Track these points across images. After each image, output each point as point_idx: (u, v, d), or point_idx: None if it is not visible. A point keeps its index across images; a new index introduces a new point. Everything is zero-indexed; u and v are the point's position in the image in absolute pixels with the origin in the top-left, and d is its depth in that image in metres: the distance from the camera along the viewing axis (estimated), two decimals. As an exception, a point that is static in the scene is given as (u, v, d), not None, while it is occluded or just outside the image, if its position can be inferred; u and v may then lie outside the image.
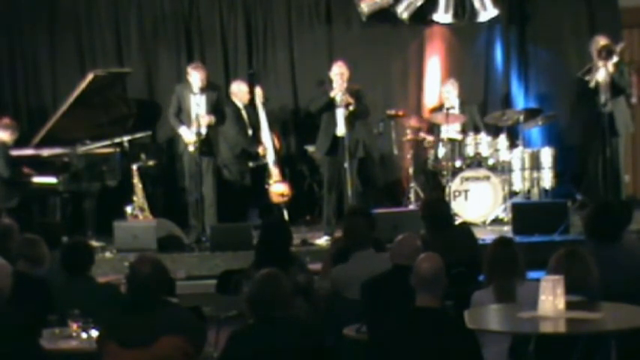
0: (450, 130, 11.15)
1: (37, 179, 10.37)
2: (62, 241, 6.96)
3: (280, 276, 4.91)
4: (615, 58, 10.52)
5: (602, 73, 10.51)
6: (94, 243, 9.50)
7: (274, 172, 11.28)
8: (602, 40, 10.70)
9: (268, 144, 11.31)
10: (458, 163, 11.01)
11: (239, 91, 11.42)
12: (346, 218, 7.27)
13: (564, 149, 11.60)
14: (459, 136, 11.14)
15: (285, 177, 11.40)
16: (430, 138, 11.36)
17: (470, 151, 10.99)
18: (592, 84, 10.59)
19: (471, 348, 4.83)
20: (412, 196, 11.21)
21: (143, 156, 11.04)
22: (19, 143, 10.54)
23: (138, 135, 11.11)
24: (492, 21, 11.95)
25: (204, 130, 10.47)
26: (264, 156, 11.31)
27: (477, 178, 10.87)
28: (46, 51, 12.18)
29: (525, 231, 9.70)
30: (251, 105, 11.48)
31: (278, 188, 11.23)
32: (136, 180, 10.89)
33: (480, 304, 5.32)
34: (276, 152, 11.39)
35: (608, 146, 10.60)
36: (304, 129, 11.97)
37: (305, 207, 11.82)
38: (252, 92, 11.48)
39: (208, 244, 10.12)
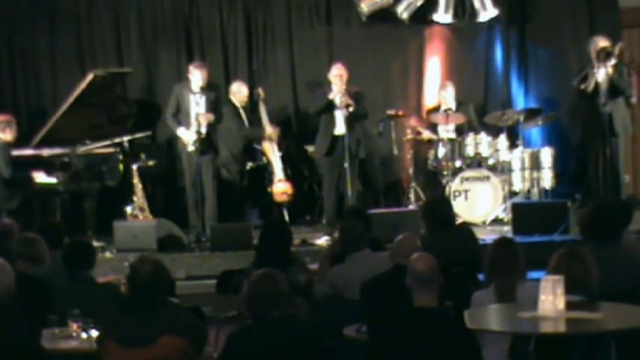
0: (446, 131, 11.17)
1: (37, 179, 10.37)
2: (64, 241, 6.94)
3: (277, 275, 4.91)
4: (613, 60, 10.52)
5: (601, 74, 10.51)
6: (94, 243, 9.49)
7: (278, 170, 11.29)
8: (600, 42, 10.69)
9: (273, 140, 11.35)
10: (458, 163, 11.01)
11: (239, 92, 11.45)
12: (341, 220, 7.28)
13: (564, 149, 11.61)
14: (454, 136, 11.15)
15: (287, 176, 11.41)
16: (428, 133, 11.39)
17: (470, 151, 11.00)
18: (590, 89, 10.59)
19: (471, 348, 4.84)
20: (412, 196, 11.22)
21: (143, 156, 11.04)
22: (19, 143, 10.54)
23: (138, 135, 11.10)
24: (492, 21, 11.96)
25: (204, 129, 10.48)
26: (268, 153, 11.30)
27: (477, 178, 10.88)
28: (46, 51, 12.18)
29: (525, 231, 9.70)
30: (249, 105, 11.50)
31: (281, 187, 11.24)
32: (136, 180, 10.89)
33: (480, 304, 5.32)
34: (279, 151, 11.42)
35: (608, 146, 10.61)
36: (304, 129, 11.98)
37: (305, 207, 11.82)
38: (252, 91, 11.51)
39: (208, 244, 10.12)
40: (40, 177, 10.38)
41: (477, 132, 11.16)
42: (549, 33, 12.18)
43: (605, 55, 10.50)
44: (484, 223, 10.75)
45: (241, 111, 11.43)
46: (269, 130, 11.36)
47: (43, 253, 6.42)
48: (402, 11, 11.84)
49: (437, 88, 11.88)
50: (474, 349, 4.87)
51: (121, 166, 10.82)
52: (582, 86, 10.71)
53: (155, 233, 10.06)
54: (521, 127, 11.21)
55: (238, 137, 11.40)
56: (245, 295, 4.95)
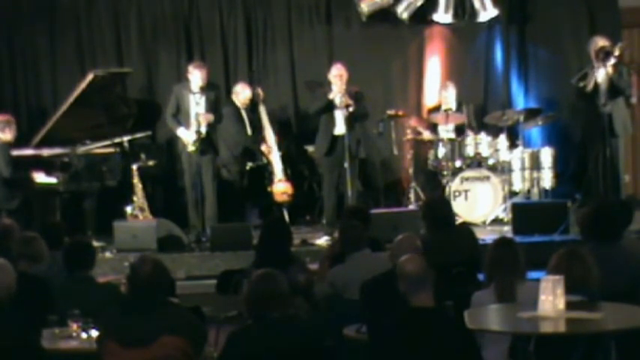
0: (446, 131, 11.18)
1: (37, 179, 10.37)
2: (64, 241, 6.94)
3: (277, 275, 4.91)
4: (613, 60, 10.50)
5: (601, 74, 10.51)
6: (94, 243, 9.49)
7: (278, 171, 11.29)
8: (600, 41, 10.69)
9: (272, 143, 11.33)
10: (458, 163, 11.01)
11: (241, 94, 11.42)
12: (341, 220, 7.27)
13: (564, 149, 11.60)
14: (454, 136, 11.16)
15: (287, 176, 11.41)
16: (428, 133, 11.40)
17: (470, 151, 11.00)
18: (589, 88, 10.59)
19: (470, 348, 4.83)
20: (412, 196, 11.22)
21: (143, 156, 11.03)
22: (19, 143, 10.54)
23: (138, 135, 11.10)
24: (492, 21, 11.96)
25: (204, 129, 10.49)
26: (268, 154, 11.33)
27: (477, 178, 10.88)
28: (46, 51, 12.18)
29: (525, 231, 9.70)
30: (251, 106, 11.51)
31: (281, 187, 11.24)
32: (136, 180, 10.89)
33: (480, 304, 5.32)
34: (279, 151, 11.42)
35: (608, 146, 10.61)
36: (304, 129, 11.98)
37: (305, 207, 11.82)
38: (252, 92, 11.52)
39: (208, 244, 10.12)
40: (40, 177, 10.38)
41: (476, 132, 11.17)
42: (549, 33, 12.18)
43: (604, 54, 10.49)
44: (484, 223, 10.75)
45: (242, 112, 11.45)
46: (268, 133, 11.34)
47: (42, 250, 6.42)
48: (402, 11, 11.84)
49: (437, 88, 11.89)
50: (474, 349, 4.87)
51: (121, 166, 10.82)
52: (581, 84, 10.71)
53: (155, 233, 10.06)
54: (521, 127, 11.21)
55: (238, 138, 11.41)
56: (245, 295, 4.95)
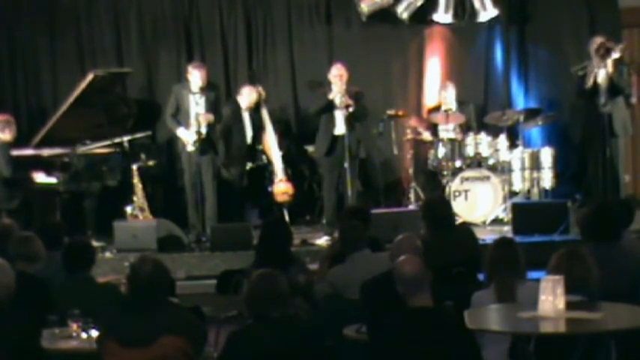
0: (446, 131, 11.18)
1: (37, 179, 10.37)
2: (64, 241, 6.94)
3: (276, 275, 4.91)
4: (614, 55, 10.47)
5: (601, 74, 10.50)
6: (94, 243, 9.49)
7: (279, 171, 11.29)
8: (599, 39, 10.68)
9: (273, 143, 11.33)
10: (458, 163, 11.01)
11: (248, 96, 11.39)
12: (341, 220, 7.26)
13: (564, 149, 11.60)
14: (454, 136, 11.16)
15: (287, 176, 11.41)
16: (428, 133, 11.40)
17: (470, 151, 11.00)
18: (588, 84, 10.57)
19: (470, 348, 4.83)
20: (412, 196, 11.22)
21: (143, 156, 11.04)
22: (19, 143, 10.54)
23: (138, 135, 11.11)
24: (492, 21, 11.95)
25: (204, 129, 10.49)
26: (269, 154, 11.32)
27: (477, 178, 10.88)
28: (46, 51, 12.18)
29: (525, 231, 9.70)
30: (254, 107, 11.51)
31: (282, 187, 11.24)
32: (136, 180, 10.90)
33: (480, 304, 5.32)
34: (280, 150, 11.43)
35: (608, 146, 10.60)
36: (304, 129, 11.98)
37: (305, 207, 11.82)
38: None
39: (208, 244, 10.13)
40: (40, 177, 10.39)
41: (476, 132, 11.17)
42: (549, 33, 12.17)
43: (604, 50, 10.45)
44: (484, 223, 10.75)
45: (244, 112, 11.43)
46: (269, 133, 11.34)
47: (39, 250, 6.42)
48: (402, 11, 11.84)
49: (437, 88, 11.89)
50: (474, 349, 4.87)
51: (121, 166, 10.82)
52: (580, 73, 10.69)
53: (155, 233, 10.07)
54: (521, 127, 11.21)
55: (238, 138, 11.40)
56: (245, 295, 4.95)
